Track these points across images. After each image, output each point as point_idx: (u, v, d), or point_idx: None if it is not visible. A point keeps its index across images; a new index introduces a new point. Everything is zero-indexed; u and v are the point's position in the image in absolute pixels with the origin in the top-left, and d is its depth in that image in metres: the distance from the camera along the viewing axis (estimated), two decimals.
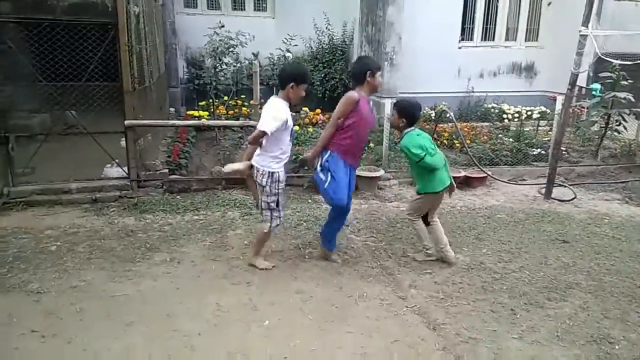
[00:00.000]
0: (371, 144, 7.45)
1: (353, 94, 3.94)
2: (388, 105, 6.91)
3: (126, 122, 5.71)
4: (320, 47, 10.62)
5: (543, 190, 6.41)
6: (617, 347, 3.23)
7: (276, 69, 10.09)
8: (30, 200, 5.48)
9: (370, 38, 9.91)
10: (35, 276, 3.95)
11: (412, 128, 4.19)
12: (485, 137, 8.10)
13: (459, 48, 10.33)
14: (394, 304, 3.69)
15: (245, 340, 3.21)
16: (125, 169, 5.92)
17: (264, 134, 3.73)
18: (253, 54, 9.20)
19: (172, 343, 3.15)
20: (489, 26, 10.62)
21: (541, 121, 9.20)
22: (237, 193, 6.10)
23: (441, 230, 4.34)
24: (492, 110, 9.97)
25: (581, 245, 4.83)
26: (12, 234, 4.73)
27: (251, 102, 7.35)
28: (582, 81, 7.84)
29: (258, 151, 3.96)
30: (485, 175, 6.69)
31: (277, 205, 4.01)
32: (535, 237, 5.00)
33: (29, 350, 3.06)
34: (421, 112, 4.39)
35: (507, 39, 10.82)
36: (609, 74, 7.48)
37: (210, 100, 8.73)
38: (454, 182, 4.29)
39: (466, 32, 10.49)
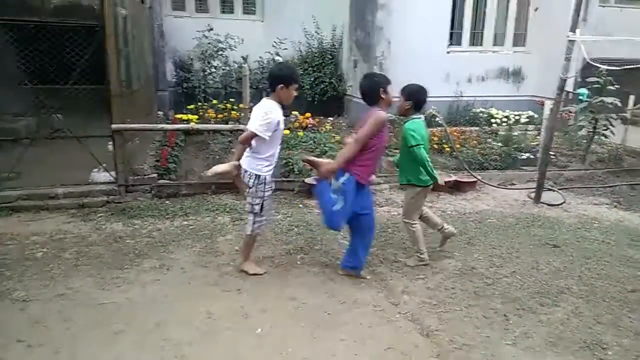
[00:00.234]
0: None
1: (382, 114, 3.79)
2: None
3: (113, 125, 5.63)
4: (310, 51, 10.60)
5: (532, 195, 6.45)
6: (610, 352, 3.24)
7: (265, 72, 10.04)
8: (15, 205, 5.36)
9: (360, 42, 9.92)
10: (21, 284, 3.85)
11: (419, 115, 4.20)
12: (475, 142, 8.13)
13: (448, 53, 10.36)
14: (387, 310, 3.66)
15: (236, 348, 3.16)
16: (113, 173, 5.83)
17: (254, 135, 3.70)
18: (242, 57, 9.16)
19: (162, 352, 3.09)
20: (477, 31, 10.68)
21: (529, 126, 9.27)
22: (227, 198, 6.04)
23: (432, 214, 4.53)
24: (481, 114, 10.02)
25: (571, 249, 4.86)
26: None
27: (240, 105, 7.30)
28: (568, 86, 7.94)
29: (247, 152, 3.90)
30: (475, 179, 6.71)
31: (261, 209, 3.95)
32: (526, 242, 5.02)
33: None
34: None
35: (495, 44, 10.88)
36: (596, 79, 7.56)
37: (199, 104, 8.67)
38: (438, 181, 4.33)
39: (454, 37, 10.54)
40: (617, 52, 8.09)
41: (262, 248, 4.64)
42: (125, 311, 3.53)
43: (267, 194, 3.93)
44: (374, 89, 3.88)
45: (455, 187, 6.72)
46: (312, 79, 10.15)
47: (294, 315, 3.56)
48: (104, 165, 5.92)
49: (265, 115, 3.73)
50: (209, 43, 8.40)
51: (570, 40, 5.73)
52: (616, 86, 7.50)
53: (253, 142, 3.78)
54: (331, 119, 9.88)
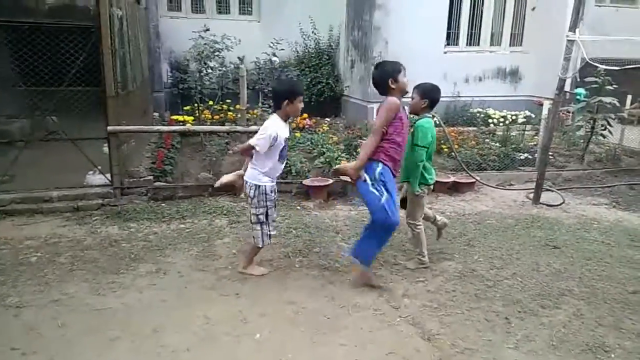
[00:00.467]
0: (359, 149, 7.39)
1: (394, 99, 3.71)
2: (375, 109, 6.88)
3: (109, 127, 5.57)
4: (307, 51, 10.57)
5: (531, 195, 6.42)
6: (612, 355, 3.20)
7: (262, 73, 10.01)
8: (9, 209, 5.29)
9: (357, 42, 9.89)
10: (15, 289, 3.79)
11: (430, 114, 4.18)
12: (473, 142, 8.10)
13: (445, 53, 10.34)
14: (387, 314, 3.62)
15: (235, 354, 3.11)
16: (108, 176, 5.77)
17: (251, 147, 3.79)
18: (239, 58, 9.11)
19: (158, 359, 3.03)
20: (474, 31, 10.66)
21: (526, 126, 9.25)
22: (224, 200, 5.98)
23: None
24: (478, 115, 10.00)
25: (571, 250, 4.82)
26: None
27: (237, 106, 7.25)
28: (566, 86, 7.91)
29: (250, 163, 3.94)
30: (474, 180, 6.67)
31: (267, 218, 3.97)
32: (526, 243, 4.98)
33: None
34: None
35: (492, 44, 10.87)
36: (593, 79, 7.54)
37: (195, 105, 8.61)
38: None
39: (451, 37, 10.52)
40: (615, 51, 8.06)
41: (261, 251, 4.58)
42: (121, 317, 3.47)
43: (269, 203, 3.95)
44: (384, 79, 3.79)
45: (454, 188, 6.69)
46: (309, 80, 10.12)
47: (293, 319, 3.51)
48: (99, 167, 5.87)
49: (264, 129, 3.78)
50: (205, 44, 8.33)
51: (569, 40, 5.69)
52: (614, 86, 7.47)
53: (254, 154, 3.86)
54: (328, 119, 9.85)
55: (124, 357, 3.05)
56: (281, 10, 10.50)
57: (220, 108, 8.91)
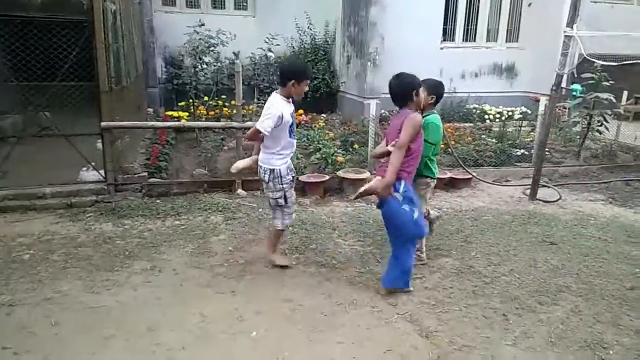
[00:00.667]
0: (355, 145, 7.36)
1: (418, 116, 3.66)
2: (373, 105, 6.85)
3: (102, 123, 5.50)
4: (302, 47, 10.52)
5: (528, 191, 6.40)
6: (611, 352, 3.19)
7: (257, 68, 9.95)
8: (1, 206, 5.22)
9: (353, 38, 9.84)
10: (7, 287, 3.73)
11: (434, 111, 4.18)
12: (470, 138, 8.08)
13: (441, 49, 10.33)
14: (385, 311, 3.59)
15: (231, 353, 3.07)
16: (102, 172, 5.71)
17: (257, 131, 3.74)
18: (234, 53, 9.04)
19: (154, 357, 2.99)
20: (470, 27, 10.65)
21: (522, 122, 9.24)
22: (220, 196, 5.93)
23: None
24: (474, 110, 9.99)
25: (568, 247, 4.81)
26: None
27: (232, 102, 7.20)
28: (562, 82, 7.89)
29: (262, 147, 3.94)
30: (471, 176, 6.65)
31: (286, 201, 3.97)
32: (523, 239, 4.96)
33: None
34: None
35: (488, 40, 10.87)
36: (590, 75, 7.53)
37: (190, 101, 8.55)
38: None
39: (448, 33, 10.50)
40: (611, 47, 8.06)
41: (257, 247, 4.56)
42: (116, 315, 3.43)
43: (285, 185, 3.92)
44: (407, 90, 3.69)
45: (451, 184, 6.67)
46: None
47: (290, 317, 3.48)
48: (93, 163, 5.80)
49: (267, 110, 3.75)
50: (200, 39, 8.27)
51: (567, 36, 5.66)
52: (611, 82, 7.46)
53: (263, 138, 3.84)
54: (324, 115, 9.80)
55: (118, 355, 3.00)
56: (276, 5, 10.43)
57: (215, 104, 8.85)
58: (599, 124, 7.75)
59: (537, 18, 10.53)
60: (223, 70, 9.46)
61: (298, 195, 6.04)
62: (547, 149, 7.50)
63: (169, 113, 8.34)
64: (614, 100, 7.52)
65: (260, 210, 5.52)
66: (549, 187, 6.66)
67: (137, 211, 5.34)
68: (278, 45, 9.90)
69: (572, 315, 3.59)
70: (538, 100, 7.64)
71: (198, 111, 8.48)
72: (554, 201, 6.18)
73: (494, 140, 8.07)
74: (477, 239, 4.93)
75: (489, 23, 10.78)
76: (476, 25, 10.66)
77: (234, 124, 6.28)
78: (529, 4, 10.73)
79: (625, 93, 9.17)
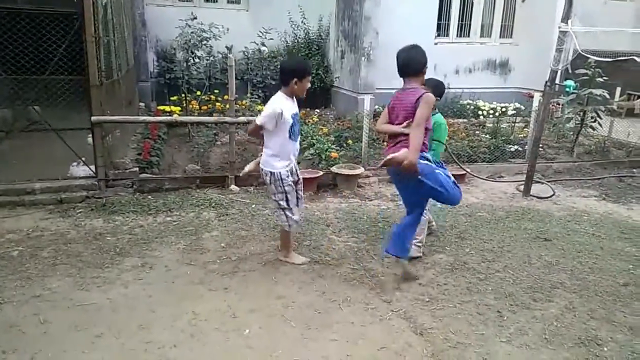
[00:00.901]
0: (349, 141, 7.32)
1: (431, 94, 3.61)
2: (367, 101, 6.81)
3: (93, 118, 5.42)
4: (296, 41, 10.44)
5: (522, 187, 6.40)
6: (605, 349, 3.18)
7: (251, 63, 9.86)
8: None
9: (347, 33, 9.77)
10: None
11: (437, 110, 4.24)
12: (463, 134, 8.07)
13: (435, 44, 10.29)
14: (379, 308, 3.56)
15: (224, 351, 3.03)
16: (93, 167, 5.63)
17: (258, 126, 3.77)
18: (227, 47, 8.96)
19: (145, 356, 2.95)
20: (464, 22, 10.62)
21: (516, 118, 9.24)
22: (212, 192, 5.87)
23: None
24: (468, 106, 9.97)
25: (563, 243, 4.81)
26: None
27: (225, 97, 7.13)
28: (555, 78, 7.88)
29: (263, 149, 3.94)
30: (464, 172, 6.63)
31: (288, 203, 3.93)
32: (517, 236, 4.95)
33: None
34: None
35: (482, 35, 10.85)
36: (584, 71, 7.52)
37: (183, 95, 8.46)
38: None
39: (442, 28, 10.47)
40: (605, 43, 8.06)
41: (249, 244, 4.51)
42: (106, 313, 3.38)
43: (287, 188, 3.89)
44: (422, 61, 3.66)
45: None
46: None
47: (284, 314, 3.44)
48: (83, 158, 5.72)
49: (268, 106, 3.76)
50: (192, 32, 8.17)
51: (561, 31, 5.65)
52: (605, 78, 7.46)
53: (264, 135, 3.85)
54: (318, 110, 9.75)
55: (109, 354, 2.95)
56: None
57: (208, 98, 8.77)
58: (593, 120, 7.76)
59: (531, 14, 10.52)
60: (216, 64, 9.37)
61: None
62: (540, 145, 7.50)
63: (161, 107, 8.25)
64: (607, 96, 7.52)
65: (254, 206, 5.48)
66: (542, 183, 6.67)
67: (128, 207, 5.27)
68: (272, 39, 9.82)
69: (567, 312, 3.59)
70: (531, 96, 7.64)
71: (190, 106, 8.39)
72: (547, 197, 6.19)
73: (487, 136, 8.07)
74: (471, 235, 4.92)
75: (483, 18, 10.76)
76: (470, 20, 10.63)
77: (227, 118, 6.22)
78: (523, 0, 10.72)
79: (619, 89, 9.18)
